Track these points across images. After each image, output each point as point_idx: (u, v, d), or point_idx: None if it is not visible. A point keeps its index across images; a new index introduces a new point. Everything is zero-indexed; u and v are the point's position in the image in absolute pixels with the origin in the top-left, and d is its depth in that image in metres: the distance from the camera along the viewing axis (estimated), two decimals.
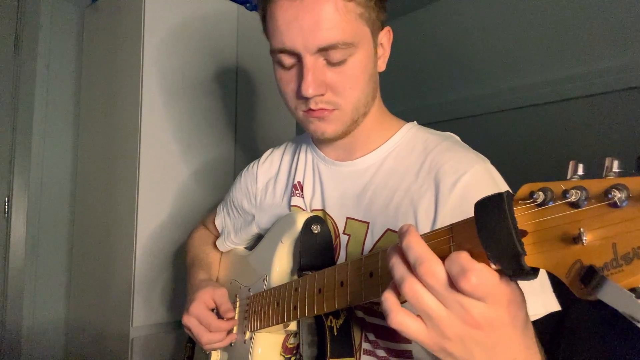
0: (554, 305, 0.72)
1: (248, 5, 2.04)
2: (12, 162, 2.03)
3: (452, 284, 0.46)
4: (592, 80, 1.89)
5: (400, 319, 0.48)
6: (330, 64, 0.79)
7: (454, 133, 0.94)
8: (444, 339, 0.48)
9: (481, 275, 0.44)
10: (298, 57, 0.80)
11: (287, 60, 0.81)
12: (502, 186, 0.81)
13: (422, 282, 0.47)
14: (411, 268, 0.48)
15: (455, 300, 0.46)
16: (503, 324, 0.47)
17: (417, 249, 0.48)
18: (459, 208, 0.76)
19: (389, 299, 0.50)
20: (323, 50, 0.77)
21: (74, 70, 2.18)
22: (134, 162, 1.71)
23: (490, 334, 0.47)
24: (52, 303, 2.09)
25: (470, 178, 0.78)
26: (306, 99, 0.81)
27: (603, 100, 1.85)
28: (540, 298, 0.71)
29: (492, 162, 0.84)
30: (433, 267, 0.46)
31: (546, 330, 0.74)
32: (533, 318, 0.72)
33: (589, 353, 1.06)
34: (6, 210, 2.02)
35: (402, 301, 0.50)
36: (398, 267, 0.50)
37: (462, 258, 0.45)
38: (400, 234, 0.50)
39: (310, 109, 0.83)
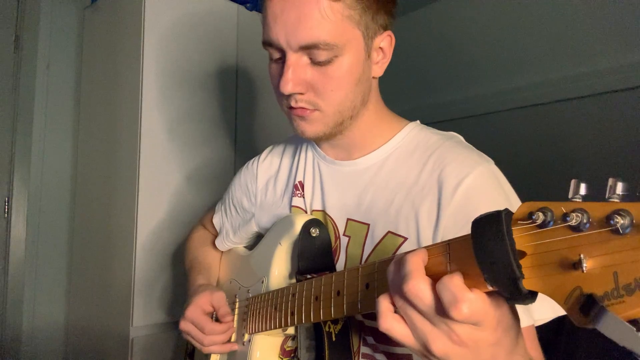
0: (561, 309, 0.72)
1: (248, 5, 2.03)
2: (12, 162, 2.02)
3: (441, 308, 0.46)
4: (592, 80, 1.88)
5: (389, 324, 0.50)
6: (314, 63, 0.78)
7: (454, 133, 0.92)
8: (429, 352, 0.48)
9: (473, 305, 0.44)
10: (283, 53, 0.79)
11: (274, 53, 0.81)
12: (507, 188, 0.79)
13: (407, 299, 0.48)
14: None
15: (442, 321, 0.46)
16: (489, 344, 0.47)
17: (408, 265, 0.49)
18: (462, 211, 0.74)
19: (382, 302, 0.51)
20: (306, 49, 0.76)
21: (74, 70, 2.17)
22: (134, 162, 1.71)
23: (475, 352, 0.47)
24: (52, 303, 2.08)
25: (473, 180, 0.76)
26: (287, 96, 0.81)
27: (603, 100, 1.85)
28: (549, 302, 0.71)
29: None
30: (417, 286, 0.47)
31: (546, 330, 0.74)
32: (541, 322, 0.72)
33: (589, 353, 1.06)
34: (6, 210, 2.01)
35: None
36: (391, 278, 0.52)
37: (455, 285, 0.45)
38: (405, 274, 0.50)
39: (292, 107, 0.82)
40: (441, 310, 0.46)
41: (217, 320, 0.97)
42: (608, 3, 1.83)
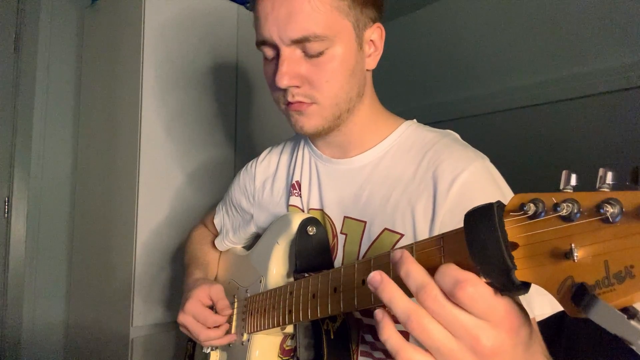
0: (560, 305, 0.72)
1: (248, 5, 2.04)
2: (12, 162, 2.03)
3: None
4: (592, 80, 1.88)
5: (409, 355, 0.45)
6: (308, 56, 0.79)
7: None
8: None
9: (475, 283, 0.42)
10: (277, 49, 0.80)
11: (268, 52, 0.83)
12: (502, 184, 0.80)
13: (427, 309, 0.44)
14: (413, 295, 0.46)
15: (461, 325, 0.43)
16: (510, 346, 0.44)
17: (418, 276, 0.46)
18: (457, 207, 0.75)
19: (392, 337, 0.46)
20: (298, 42, 0.78)
21: (74, 70, 2.17)
22: (134, 162, 1.71)
23: None
24: (52, 303, 2.09)
25: (468, 176, 0.77)
26: (284, 91, 0.82)
27: (603, 100, 1.85)
28: (547, 297, 0.70)
29: (492, 162, 0.83)
30: (435, 291, 0.44)
31: (547, 330, 0.74)
32: (541, 318, 0.71)
33: (589, 352, 1.06)
34: (6, 210, 2.02)
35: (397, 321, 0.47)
36: (399, 302, 0.46)
37: (452, 269, 0.44)
38: (395, 262, 0.48)
39: (289, 102, 0.83)
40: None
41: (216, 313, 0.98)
42: (608, 3, 1.84)
